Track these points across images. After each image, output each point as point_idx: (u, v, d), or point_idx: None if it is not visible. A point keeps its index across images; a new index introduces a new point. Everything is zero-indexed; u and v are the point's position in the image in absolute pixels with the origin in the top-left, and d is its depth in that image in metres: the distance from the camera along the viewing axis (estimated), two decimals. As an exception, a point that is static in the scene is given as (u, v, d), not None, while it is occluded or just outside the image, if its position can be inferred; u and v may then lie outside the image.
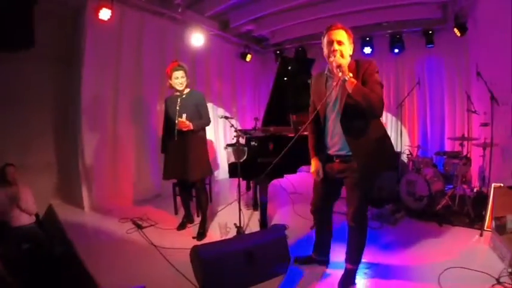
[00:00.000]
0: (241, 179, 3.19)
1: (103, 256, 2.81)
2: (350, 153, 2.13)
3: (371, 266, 2.61)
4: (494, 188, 3.13)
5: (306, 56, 6.13)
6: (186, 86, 3.14)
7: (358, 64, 2.08)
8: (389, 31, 5.57)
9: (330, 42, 2.06)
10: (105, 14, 3.54)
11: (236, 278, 2.28)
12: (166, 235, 3.26)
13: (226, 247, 2.38)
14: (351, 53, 2.10)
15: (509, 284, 2.23)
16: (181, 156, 3.09)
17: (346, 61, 2.05)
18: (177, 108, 3.09)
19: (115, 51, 4.00)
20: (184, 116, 3.01)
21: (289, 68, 3.91)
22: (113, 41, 3.95)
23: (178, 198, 3.79)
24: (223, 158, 6.01)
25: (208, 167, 3.34)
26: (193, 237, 3.18)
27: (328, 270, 2.55)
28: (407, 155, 4.72)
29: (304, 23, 5.45)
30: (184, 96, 3.14)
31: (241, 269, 2.28)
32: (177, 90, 3.12)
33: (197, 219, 3.50)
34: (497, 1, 3.43)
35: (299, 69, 3.95)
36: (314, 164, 2.38)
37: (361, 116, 2.06)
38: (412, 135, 5.96)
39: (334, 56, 1.99)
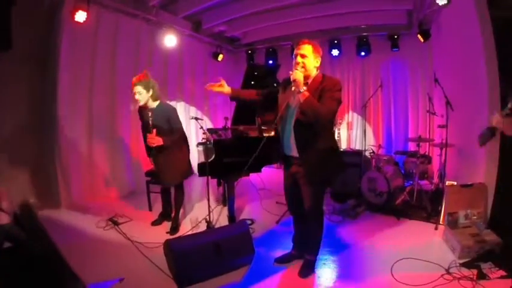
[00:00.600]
0: (198, 175, 3.39)
1: (83, 253, 2.87)
2: None
3: (331, 256, 2.85)
4: (447, 185, 3.40)
5: (276, 56, 6.43)
6: (154, 99, 3.16)
7: (324, 79, 2.30)
8: (356, 35, 5.86)
9: (295, 56, 2.30)
10: (81, 16, 3.57)
11: (205, 269, 2.46)
12: (142, 230, 3.39)
13: (196, 240, 2.55)
14: (317, 65, 2.33)
15: (457, 274, 2.44)
16: (161, 163, 3.25)
17: (309, 73, 2.28)
18: (150, 118, 3.13)
19: (90, 53, 4.07)
20: (154, 131, 3.07)
21: (256, 73, 4.14)
22: (88, 42, 4.01)
23: (152, 195, 3.94)
24: (195, 155, 6.13)
25: (188, 168, 3.48)
26: (167, 232, 3.33)
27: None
28: (370, 153, 5.04)
29: (275, 25, 5.65)
30: (154, 107, 3.17)
31: (210, 260, 2.46)
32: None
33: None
34: (454, 14, 3.72)
35: (265, 74, 4.20)
36: None
37: (311, 127, 2.26)
38: (377, 134, 6.32)
39: (295, 69, 2.22)
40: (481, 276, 2.39)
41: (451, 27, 3.60)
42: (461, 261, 2.62)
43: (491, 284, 2.32)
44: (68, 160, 3.99)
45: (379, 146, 4.89)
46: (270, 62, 6.38)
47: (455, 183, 3.41)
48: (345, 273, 2.61)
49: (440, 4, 3.54)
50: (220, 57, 6.24)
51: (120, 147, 4.64)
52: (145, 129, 3.22)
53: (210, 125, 6.37)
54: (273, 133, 3.78)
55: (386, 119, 6.24)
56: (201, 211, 3.93)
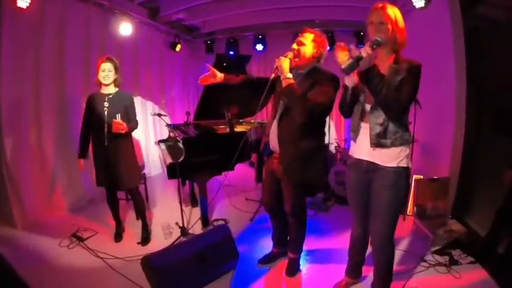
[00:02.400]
0: (168, 177, 3.24)
1: (48, 276, 2.61)
2: None
3: (311, 251, 2.95)
4: (415, 179, 3.65)
5: (237, 47, 6.36)
6: (115, 84, 2.95)
7: (320, 71, 2.26)
8: (321, 29, 5.99)
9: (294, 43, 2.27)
10: (23, 1, 3.19)
11: (190, 281, 2.39)
12: (111, 244, 3.18)
13: (178, 252, 2.44)
14: (316, 55, 2.26)
15: (431, 261, 2.69)
16: (113, 163, 2.93)
17: (304, 62, 2.23)
18: (105, 108, 2.87)
19: (35, 43, 3.61)
20: (118, 116, 2.84)
21: (224, 64, 4.06)
22: (32, 31, 3.56)
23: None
24: (153, 154, 5.93)
25: (140, 172, 3.32)
26: (138, 243, 3.18)
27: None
28: (336, 147, 5.27)
29: (238, 14, 5.57)
30: (112, 96, 2.92)
31: (194, 272, 2.39)
32: (102, 85, 2.90)
33: (136, 223, 3.45)
34: (424, 17, 3.87)
35: (234, 65, 4.14)
36: None
37: (296, 121, 2.17)
38: (339, 129, 6.63)
39: (285, 56, 2.18)
40: (453, 262, 2.67)
41: (420, 29, 3.81)
42: (433, 249, 2.87)
43: (463, 268, 2.59)
44: (18, 171, 3.50)
45: (345, 140, 5.11)
46: (231, 52, 6.32)
47: (421, 177, 3.68)
48: (327, 267, 2.73)
49: (417, 7, 3.53)
50: (178, 47, 6.03)
51: (74, 151, 4.03)
52: (97, 122, 2.88)
53: (168, 121, 6.16)
54: (244, 128, 3.77)
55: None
56: (169, 215, 3.81)
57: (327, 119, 2.51)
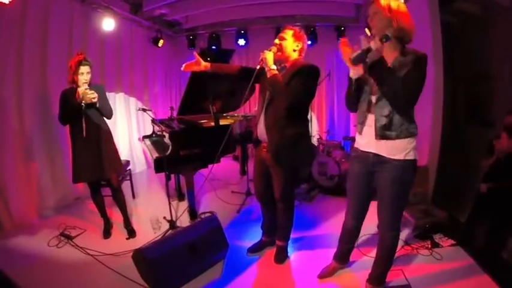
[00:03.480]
0: (155, 171, 3.23)
1: (40, 278, 2.62)
2: None
3: (297, 239, 3.10)
4: None
5: (219, 42, 6.42)
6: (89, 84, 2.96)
7: (300, 64, 2.37)
8: (303, 24, 6.02)
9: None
10: None
11: (183, 271, 2.47)
12: (100, 241, 3.22)
13: (170, 244, 2.50)
14: (297, 49, 2.44)
15: (415, 244, 2.89)
16: (93, 154, 2.97)
17: (286, 55, 2.41)
18: (82, 103, 2.84)
19: (17, 38, 3.57)
20: (85, 85, 2.84)
21: (208, 59, 4.12)
22: (15, 26, 3.52)
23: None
24: (138, 151, 5.96)
25: (120, 162, 3.35)
26: (127, 238, 3.25)
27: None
28: (318, 139, 5.44)
29: (220, 9, 5.64)
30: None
31: (186, 262, 2.47)
32: (78, 86, 2.89)
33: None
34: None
35: (218, 59, 4.20)
36: None
37: (281, 110, 2.37)
38: (321, 121, 6.81)
39: (269, 50, 2.34)
40: (435, 245, 2.88)
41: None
42: (415, 233, 3.07)
43: (444, 250, 2.81)
44: (2, 172, 3.43)
45: (328, 132, 5.29)
46: (213, 47, 6.39)
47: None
48: (315, 253, 2.88)
49: None
50: (160, 42, 6.04)
51: (58, 148, 4.14)
52: (73, 114, 2.89)
53: (153, 116, 6.18)
54: (228, 122, 3.86)
55: (329, 107, 6.75)
56: (155, 209, 3.91)
57: (310, 111, 2.66)
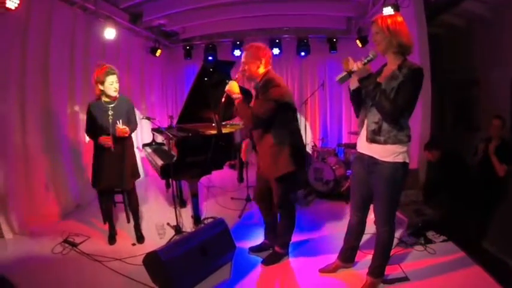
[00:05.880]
0: (161, 178, 3.43)
1: (48, 285, 2.65)
2: None
3: (295, 244, 3.20)
4: None
5: (215, 53, 6.66)
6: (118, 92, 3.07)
7: (268, 80, 2.51)
8: (297, 35, 6.44)
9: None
10: (11, 2, 3.19)
11: (196, 273, 2.58)
12: (105, 246, 3.26)
13: (183, 246, 2.58)
14: (261, 65, 2.56)
15: (409, 242, 3.10)
16: (118, 165, 3.11)
17: (253, 76, 2.58)
18: (110, 118, 3.03)
19: (20, 45, 3.66)
20: (120, 122, 3.02)
21: (211, 70, 4.32)
22: (18, 33, 3.61)
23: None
24: (137, 158, 6.04)
25: (138, 169, 3.47)
26: (133, 244, 3.30)
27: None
28: (312, 146, 5.69)
29: (216, 21, 5.93)
30: (114, 104, 3.07)
31: (198, 264, 2.58)
32: (108, 97, 3.02)
33: (127, 225, 3.59)
34: None
35: (219, 71, 4.41)
36: None
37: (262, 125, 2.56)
38: (314, 130, 7.10)
39: (237, 75, 2.61)
40: (428, 241, 3.11)
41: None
42: (409, 231, 3.29)
43: (437, 246, 3.04)
44: (3, 180, 3.45)
45: (322, 139, 5.55)
46: (210, 58, 6.60)
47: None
48: (313, 260, 2.96)
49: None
50: (158, 52, 6.24)
51: (59, 157, 4.19)
52: (102, 131, 3.02)
53: (157, 124, 6.29)
54: (229, 130, 4.04)
55: (322, 116, 7.04)
56: (157, 215, 4.04)
57: (300, 117, 2.85)
